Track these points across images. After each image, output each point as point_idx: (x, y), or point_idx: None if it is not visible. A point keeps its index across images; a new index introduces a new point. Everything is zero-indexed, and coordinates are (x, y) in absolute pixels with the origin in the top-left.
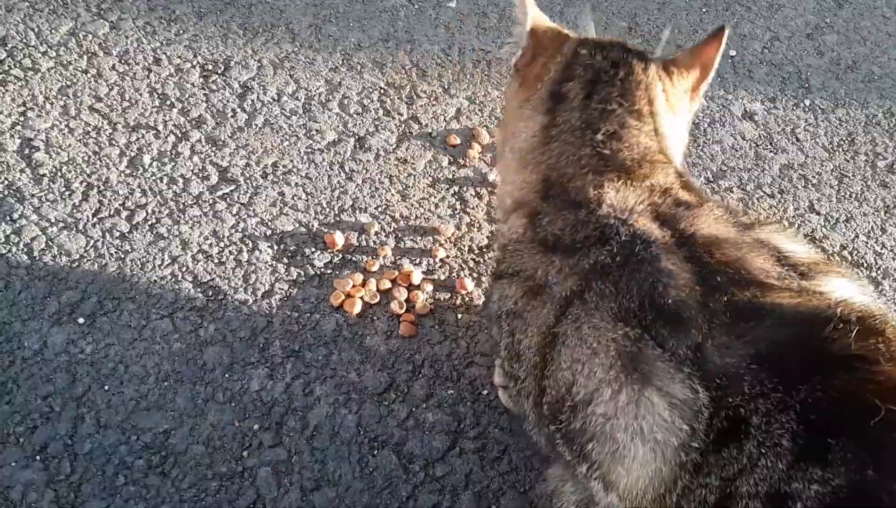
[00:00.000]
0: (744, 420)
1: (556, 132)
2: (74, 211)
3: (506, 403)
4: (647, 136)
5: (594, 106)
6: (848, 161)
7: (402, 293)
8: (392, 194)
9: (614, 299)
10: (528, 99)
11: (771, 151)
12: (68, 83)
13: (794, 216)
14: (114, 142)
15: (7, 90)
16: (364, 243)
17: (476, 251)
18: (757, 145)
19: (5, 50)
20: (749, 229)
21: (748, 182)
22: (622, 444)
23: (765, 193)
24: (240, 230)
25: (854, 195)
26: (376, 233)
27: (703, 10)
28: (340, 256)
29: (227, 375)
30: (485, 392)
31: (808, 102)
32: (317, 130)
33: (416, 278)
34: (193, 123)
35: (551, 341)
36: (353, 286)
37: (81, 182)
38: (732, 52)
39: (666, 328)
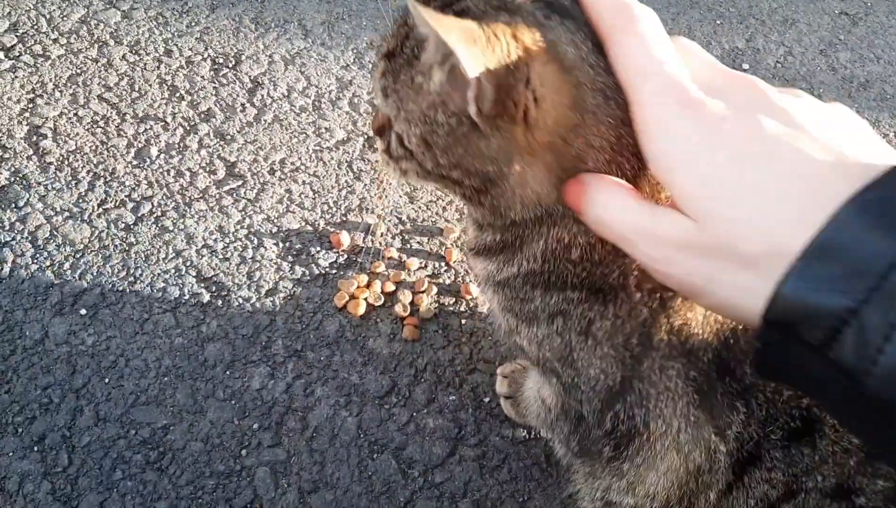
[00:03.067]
0: (819, 421)
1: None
2: (80, 201)
3: (508, 413)
4: None
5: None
6: None
7: (406, 296)
8: (399, 196)
9: None
10: (558, 101)
11: None
12: (78, 71)
13: None
14: (122, 132)
15: (17, 76)
16: (370, 245)
17: None
18: None
19: (16, 36)
20: None
21: None
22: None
23: None
24: (245, 227)
25: None
26: (382, 234)
27: (718, 21)
28: (346, 256)
29: (227, 372)
30: (486, 400)
31: None
32: (326, 129)
33: (422, 281)
34: (202, 116)
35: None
36: (358, 288)
37: (88, 172)
38: (746, 66)
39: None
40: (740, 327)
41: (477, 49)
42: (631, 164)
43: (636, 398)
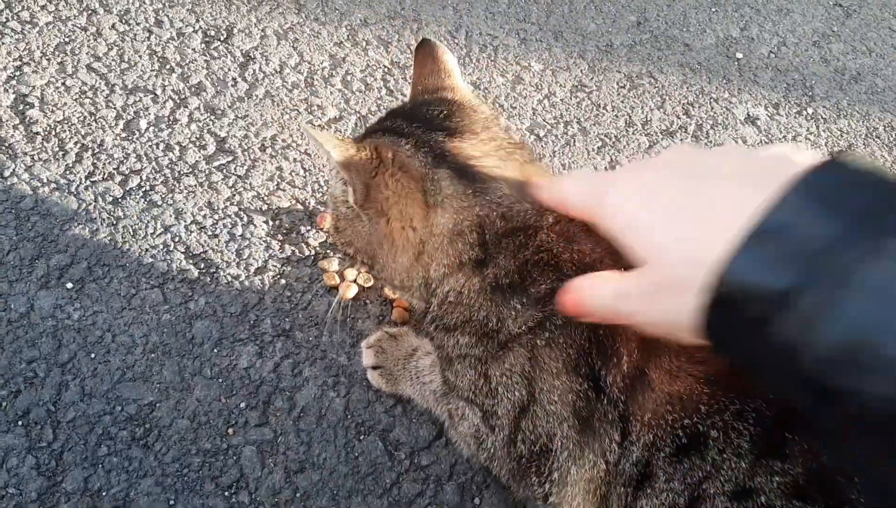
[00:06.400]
0: (703, 435)
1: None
2: (67, 172)
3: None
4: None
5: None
6: None
7: None
8: None
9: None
10: (406, 200)
11: None
12: (66, 40)
13: None
14: (111, 104)
15: (3, 43)
16: None
17: None
18: None
19: (3, 1)
20: None
21: None
22: (569, 470)
23: None
24: (235, 203)
25: None
26: None
27: (713, 8)
28: None
29: (215, 350)
30: None
31: (810, 111)
32: (318, 106)
33: None
34: (193, 89)
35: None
36: (339, 269)
37: (76, 143)
38: (739, 55)
39: (600, 358)
40: (617, 345)
41: (343, 153)
42: (472, 236)
43: (535, 417)
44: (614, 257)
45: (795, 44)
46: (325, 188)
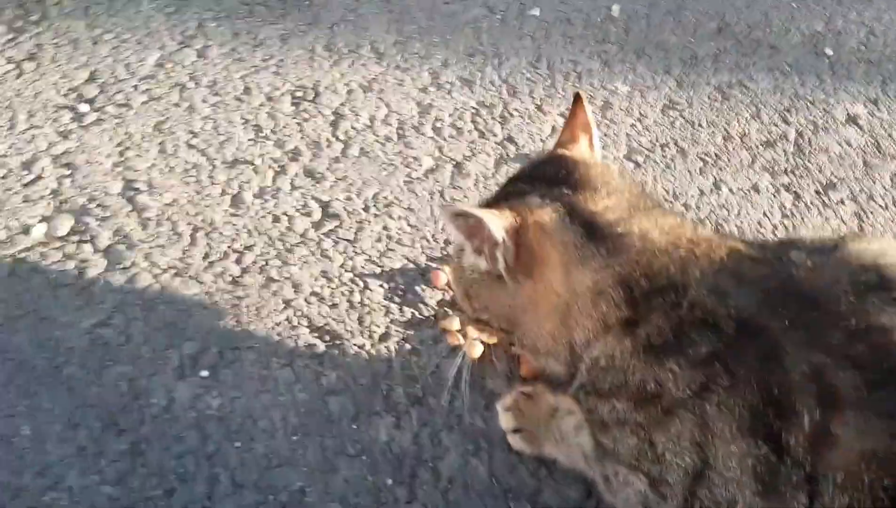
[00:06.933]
0: None
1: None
2: (185, 256)
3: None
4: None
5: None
6: None
7: None
8: None
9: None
10: (546, 260)
11: (879, 159)
12: (162, 118)
13: None
14: (214, 180)
15: (104, 129)
16: None
17: None
18: (864, 152)
19: (98, 85)
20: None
21: (860, 193)
22: None
23: (878, 204)
24: (349, 269)
25: None
26: None
27: (794, 5)
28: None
29: (353, 426)
30: None
31: None
32: (413, 158)
33: None
34: (290, 155)
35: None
36: (461, 328)
37: (188, 224)
38: (828, 51)
39: (777, 418)
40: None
41: (500, 222)
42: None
43: (712, 483)
44: (770, 308)
45: (884, 32)
46: (432, 244)
